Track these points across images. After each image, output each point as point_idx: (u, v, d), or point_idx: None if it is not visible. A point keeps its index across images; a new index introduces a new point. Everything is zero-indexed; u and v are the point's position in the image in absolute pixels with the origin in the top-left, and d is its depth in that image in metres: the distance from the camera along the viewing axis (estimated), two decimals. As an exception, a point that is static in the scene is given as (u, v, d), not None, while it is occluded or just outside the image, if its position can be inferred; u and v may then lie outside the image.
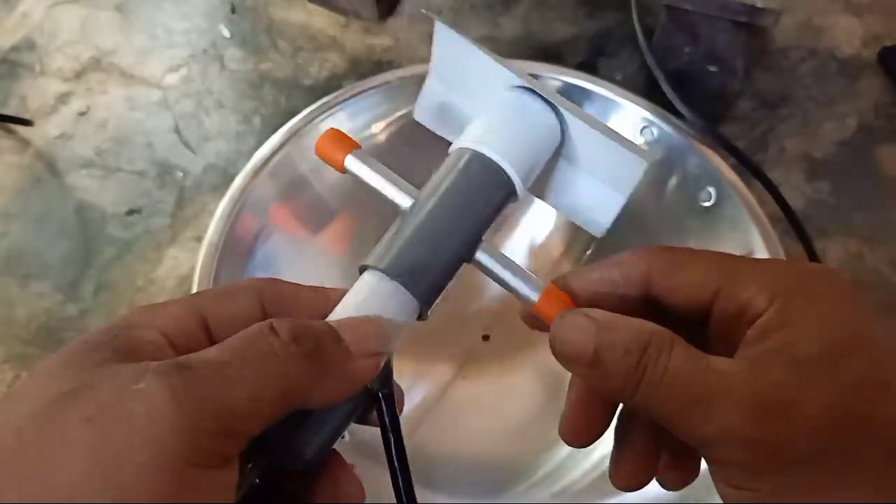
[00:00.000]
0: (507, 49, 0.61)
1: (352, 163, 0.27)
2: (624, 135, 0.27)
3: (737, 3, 0.51)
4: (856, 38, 0.63)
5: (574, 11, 0.64)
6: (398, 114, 0.49)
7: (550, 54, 0.61)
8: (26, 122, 0.58)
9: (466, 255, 0.26)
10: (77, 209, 0.55)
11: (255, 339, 0.20)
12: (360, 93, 0.50)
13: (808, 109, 0.59)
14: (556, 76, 0.50)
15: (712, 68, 0.54)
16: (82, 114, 0.59)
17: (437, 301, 0.25)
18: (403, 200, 0.26)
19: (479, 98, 0.29)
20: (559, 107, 0.27)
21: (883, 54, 0.61)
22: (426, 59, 0.30)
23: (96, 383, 0.18)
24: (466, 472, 0.47)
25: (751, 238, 0.46)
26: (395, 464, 0.24)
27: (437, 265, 0.25)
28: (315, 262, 0.50)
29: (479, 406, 0.49)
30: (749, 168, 0.50)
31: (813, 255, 0.50)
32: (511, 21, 0.63)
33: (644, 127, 0.49)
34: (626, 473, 0.26)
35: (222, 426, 0.19)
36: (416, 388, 0.49)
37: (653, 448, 0.26)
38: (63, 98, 0.60)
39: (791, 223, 0.50)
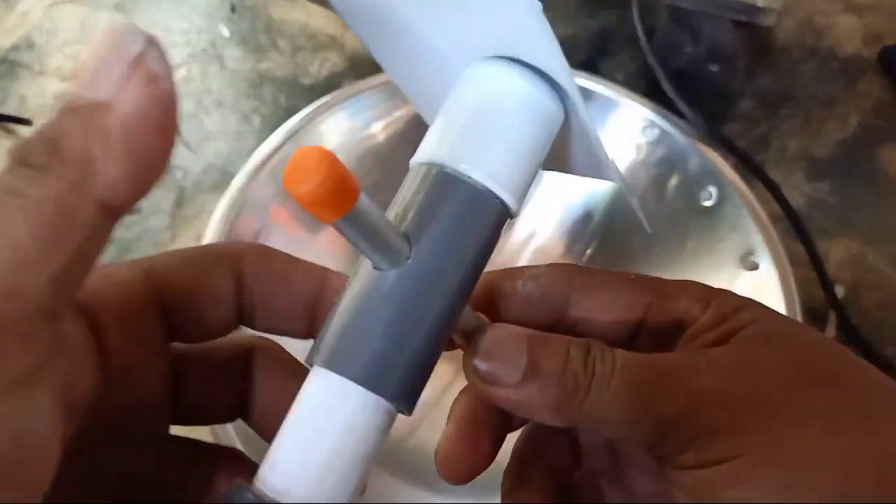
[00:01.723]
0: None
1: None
2: (625, 135, 0.24)
3: (738, 2, 0.51)
4: (856, 38, 0.63)
5: (574, 11, 0.64)
6: (398, 113, 0.49)
7: (551, 54, 0.61)
8: (25, 122, 0.58)
9: (455, 320, 0.18)
10: (76, 209, 0.55)
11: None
12: (359, 92, 0.49)
13: (809, 109, 0.59)
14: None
15: (713, 68, 0.54)
16: (82, 113, 0.59)
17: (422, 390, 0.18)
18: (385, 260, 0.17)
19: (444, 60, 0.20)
20: (566, 89, 0.19)
21: (883, 54, 0.61)
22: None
23: None
24: (466, 473, 0.47)
25: (751, 238, 0.46)
26: None
27: (421, 350, 0.17)
28: (315, 261, 0.49)
29: (480, 406, 0.49)
30: (750, 168, 0.50)
31: (815, 256, 0.50)
32: (511, 20, 0.63)
33: (645, 127, 0.49)
34: None
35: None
36: (416, 389, 0.49)
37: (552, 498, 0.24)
38: (62, 98, 0.60)
39: (792, 223, 0.50)
